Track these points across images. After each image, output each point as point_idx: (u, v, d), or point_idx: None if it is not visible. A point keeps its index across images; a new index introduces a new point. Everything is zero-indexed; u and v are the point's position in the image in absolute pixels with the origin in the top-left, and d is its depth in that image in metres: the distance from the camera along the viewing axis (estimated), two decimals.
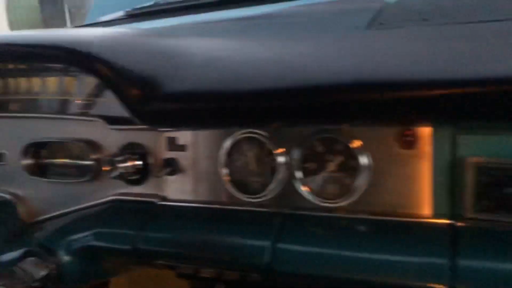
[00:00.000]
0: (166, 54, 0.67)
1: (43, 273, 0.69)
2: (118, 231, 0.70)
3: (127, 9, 1.17)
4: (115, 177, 0.73)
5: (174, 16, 1.09)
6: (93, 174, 0.78)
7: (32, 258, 0.70)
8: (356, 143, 0.61)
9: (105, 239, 0.70)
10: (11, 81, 0.86)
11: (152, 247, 0.67)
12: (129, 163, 0.72)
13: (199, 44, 0.70)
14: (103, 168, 0.73)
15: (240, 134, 0.67)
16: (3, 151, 0.86)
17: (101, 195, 0.79)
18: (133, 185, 0.76)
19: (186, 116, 0.65)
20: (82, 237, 0.72)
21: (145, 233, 0.68)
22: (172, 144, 0.72)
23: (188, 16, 1.05)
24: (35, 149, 0.83)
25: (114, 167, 0.72)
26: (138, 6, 1.16)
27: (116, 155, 0.74)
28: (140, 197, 0.75)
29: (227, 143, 0.68)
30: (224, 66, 0.65)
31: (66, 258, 0.71)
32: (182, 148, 0.72)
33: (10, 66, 0.86)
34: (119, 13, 1.20)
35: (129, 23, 1.13)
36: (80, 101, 0.80)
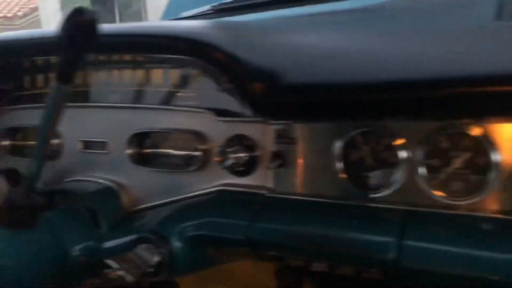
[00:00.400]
0: (285, 46, 0.67)
1: (156, 259, 0.70)
2: (230, 221, 0.70)
3: (213, 4, 1.19)
4: (225, 168, 0.73)
5: (262, 10, 1.09)
6: (200, 164, 0.79)
7: (145, 245, 0.71)
8: (487, 139, 0.59)
9: (217, 229, 0.71)
10: (115, 73, 0.89)
11: (265, 238, 0.67)
12: (240, 154, 0.73)
13: (313, 37, 0.70)
14: (215, 159, 0.74)
15: (358, 127, 0.66)
16: (106, 140, 0.88)
17: (205, 185, 0.79)
18: (239, 176, 0.76)
19: (307, 109, 0.64)
20: (193, 226, 0.73)
21: (257, 224, 0.68)
22: (281, 137, 0.72)
23: (278, 10, 1.05)
24: (140, 138, 0.86)
25: (226, 158, 0.73)
26: (224, 1, 1.17)
27: (223, 146, 0.74)
28: (247, 188, 0.75)
29: (344, 137, 0.67)
30: (346, 58, 0.64)
31: (177, 245, 0.72)
32: (291, 140, 0.71)
33: (115, 57, 0.89)
34: (205, 8, 1.21)
35: (217, 18, 1.14)
36: (185, 93, 0.82)
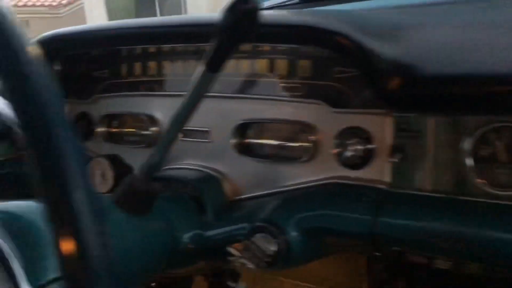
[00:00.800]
0: (417, 36, 0.65)
1: (273, 249, 0.70)
2: (351, 215, 0.69)
3: None
4: (342, 160, 0.73)
5: (355, 1, 1.07)
6: (310, 156, 0.78)
7: (262, 234, 0.72)
8: None
9: (337, 222, 0.70)
10: None
11: (390, 233, 0.66)
12: (358, 147, 0.72)
13: (447, 27, 0.68)
14: (333, 151, 0.74)
15: (492, 121, 0.64)
16: (208, 128, 0.89)
17: (313, 177, 0.79)
18: (352, 169, 0.75)
19: (442, 102, 0.63)
20: (310, 217, 0.72)
21: (381, 218, 0.67)
22: (403, 130, 0.70)
23: (372, 1, 1.03)
24: (243, 128, 0.86)
25: (344, 150, 0.72)
26: None
27: (340, 138, 0.74)
28: (361, 181, 0.74)
29: (476, 132, 0.65)
30: (484, 49, 0.62)
31: (294, 235, 0.72)
32: (414, 134, 0.70)
33: None
34: None
35: (305, 7, 1.13)
36: (292, 83, 0.81)
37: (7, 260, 0.54)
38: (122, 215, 0.70)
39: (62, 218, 0.31)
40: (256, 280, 1.23)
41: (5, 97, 0.34)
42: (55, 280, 0.55)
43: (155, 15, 10.43)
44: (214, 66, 0.55)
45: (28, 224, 0.60)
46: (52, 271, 0.56)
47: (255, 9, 0.49)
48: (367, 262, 0.97)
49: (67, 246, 0.31)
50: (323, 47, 0.71)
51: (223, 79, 0.88)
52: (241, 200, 0.86)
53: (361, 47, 0.63)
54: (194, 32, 0.82)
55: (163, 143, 0.67)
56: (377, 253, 0.70)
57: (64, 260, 0.31)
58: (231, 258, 0.68)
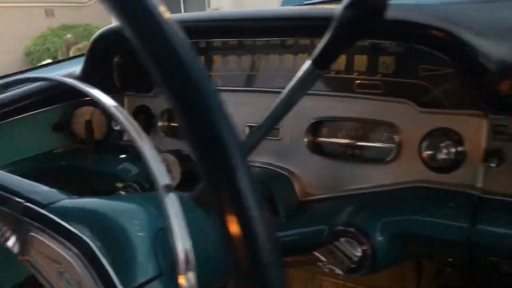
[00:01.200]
0: None
1: (358, 254, 0.68)
2: (445, 221, 0.66)
3: None
4: (433, 163, 0.69)
5: None
6: (393, 157, 0.75)
7: (346, 238, 0.69)
8: None
9: (429, 228, 0.67)
10: (288, 57, 0.86)
11: (489, 242, 0.63)
12: (451, 149, 0.68)
13: None
14: (424, 153, 0.70)
15: None
16: (279, 126, 0.86)
17: (395, 179, 0.75)
18: (440, 172, 0.71)
19: None
20: (397, 222, 0.69)
21: (479, 226, 0.63)
22: (501, 133, 0.66)
23: None
24: (318, 126, 0.83)
25: (436, 152, 0.68)
26: None
27: (424, 139, 0.70)
28: (451, 186, 0.70)
29: None
30: None
31: (379, 240, 0.69)
32: None
33: (289, 41, 0.86)
34: None
35: None
36: (375, 81, 0.78)
37: (100, 262, 0.51)
38: (202, 214, 0.68)
39: (231, 204, 0.28)
40: (294, 277, 1.20)
41: (148, 67, 0.30)
42: (146, 283, 0.53)
43: (179, 6, 10.43)
44: (323, 63, 0.51)
45: (113, 223, 0.58)
46: (142, 274, 0.53)
47: (385, 5, 0.45)
48: (416, 267, 0.94)
49: (236, 232, 0.28)
50: (420, 44, 0.67)
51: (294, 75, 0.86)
52: (312, 201, 0.83)
53: (468, 46, 0.59)
54: (300, 26, 0.79)
55: (252, 140, 0.64)
56: (472, 262, 0.66)
57: (232, 247, 0.28)
58: (319, 263, 0.65)
